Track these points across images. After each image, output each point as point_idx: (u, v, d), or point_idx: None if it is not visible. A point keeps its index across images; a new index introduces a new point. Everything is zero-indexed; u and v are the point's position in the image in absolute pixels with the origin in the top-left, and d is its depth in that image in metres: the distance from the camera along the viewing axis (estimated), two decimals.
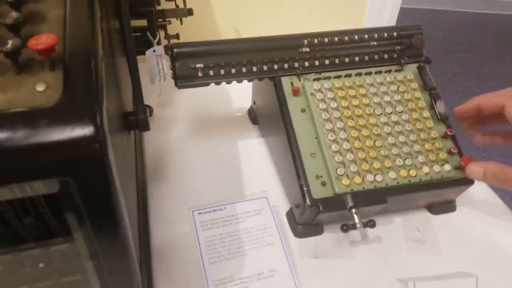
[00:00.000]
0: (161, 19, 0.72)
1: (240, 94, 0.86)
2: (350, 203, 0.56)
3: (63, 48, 0.33)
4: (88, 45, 0.34)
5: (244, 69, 0.63)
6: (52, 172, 0.29)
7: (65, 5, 0.37)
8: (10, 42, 0.30)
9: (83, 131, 0.29)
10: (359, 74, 0.65)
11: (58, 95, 0.30)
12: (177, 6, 0.73)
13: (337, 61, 0.65)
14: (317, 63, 0.64)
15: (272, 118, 0.67)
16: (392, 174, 0.58)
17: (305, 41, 0.64)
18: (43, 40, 0.30)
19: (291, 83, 0.63)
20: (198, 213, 0.60)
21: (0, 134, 0.28)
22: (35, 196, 0.32)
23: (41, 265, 0.41)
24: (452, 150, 0.61)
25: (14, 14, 0.32)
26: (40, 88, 0.30)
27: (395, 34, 0.67)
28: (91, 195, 0.31)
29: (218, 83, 0.63)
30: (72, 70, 0.32)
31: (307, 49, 0.64)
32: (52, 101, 0.30)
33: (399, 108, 0.63)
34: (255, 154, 0.75)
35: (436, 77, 0.65)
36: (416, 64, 0.68)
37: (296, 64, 0.64)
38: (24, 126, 0.28)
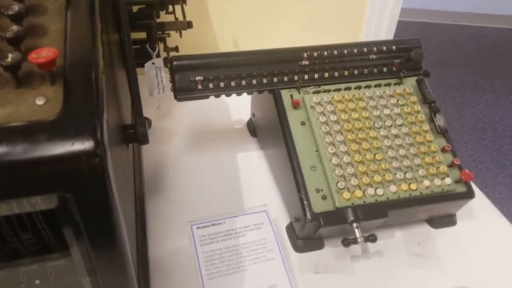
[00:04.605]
0: (160, 32, 0.72)
1: (239, 106, 0.85)
2: (351, 217, 0.56)
3: (63, 61, 0.33)
4: (88, 58, 0.34)
5: (243, 82, 0.63)
6: (51, 187, 0.29)
7: (65, 18, 0.36)
8: (10, 55, 0.30)
9: (83, 145, 0.28)
10: (359, 87, 0.65)
11: (58, 109, 0.30)
12: (176, 19, 0.74)
13: (336, 74, 0.65)
14: (316, 76, 0.64)
15: (271, 131, 0.67)
16: (392, 188, 0.58)
17: (305, 54, 0.64)
18: (43, 54, 0.29)
19: (291, 95, 0.63)
20: (197, 227, 0.59)
21: None
22: (33, 211, 0.32)
23: (37, 281, 0.40)
24: (455, 162, 0.61)
25: (14, 28, 0.32)
26: (40, 102, 0.30)
27: (394, 47, 0.67)
28: (90, 211, 0.31)
29: (217, 96, 0.63)
30: (72, 83, 0.31)
31: (307, 62, 0.64)
32: (52, 115, 0.29)
33: (398, 121, 0.63)
34: (254, 167, 0.74)
35: (433, 90, 0.65)
36: (415, 77, 0.68)
37: (296, 77, 0.64)
38: (23, 140, 0.28)
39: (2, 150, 0.27)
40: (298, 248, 0.61)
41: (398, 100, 0.65)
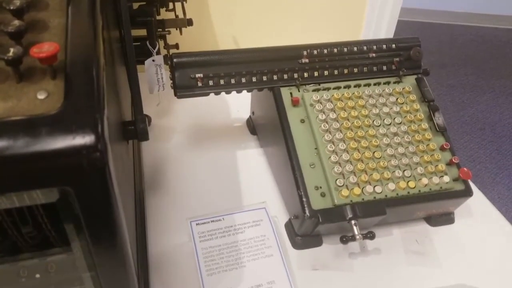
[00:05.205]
0: (160, 29, 0.72)
1: (239, 104, 0.86)
2: (349, 214, 0.56)
3: (64, 56, 0.33)
4: (89, 54, 0.34)
5: (243, 79, 0.63)
6: (52, 181, 0.29)
7: (67, 14, 0.37)
8: (11, 50, 0.30)
9: (84, 139, 0.29)
10: (358, 85, 0.65)
11: (59, 103, 0.30)
12: (177, 16, 0.74)
13: (336, 72, 0.65)
14: (316, 74, 0.65)
15: (271, 129, 0.67)
16: (391, 186, 0.58)
17: (305, 52, 0.64)
18: (45, 48, 0.30)
19: (291, 93, 0.63)
20: (196, 224, 0.60)
21: (0, 142, 0.27)
22: (33, 205, 0.32)
23: (37, 275, 0.41)
24: (453, 160, 0.61)
25: (16, 22, 0.32)
26: (41, 96, 0.30)
27: (393, 46, 0.67)
28: (90, 204, 0.31)
29: (217, 93, 0.63)
30: (73, 78, 0.32)
31: (307, 60, 0.64)
32: (53, 110, 0.29)
33: (398, 120, 0.63)
34: (254, 164, 0.75)
35: (432, 90, 0.65)
36: (415, 76, 0.68)
37: (296, 75, 0.64)
38: (25, 134, 0.28)
39: (4, 144, 0.28)
40: (296, 245, 0.61)
41: (397, 99, 0.65)
